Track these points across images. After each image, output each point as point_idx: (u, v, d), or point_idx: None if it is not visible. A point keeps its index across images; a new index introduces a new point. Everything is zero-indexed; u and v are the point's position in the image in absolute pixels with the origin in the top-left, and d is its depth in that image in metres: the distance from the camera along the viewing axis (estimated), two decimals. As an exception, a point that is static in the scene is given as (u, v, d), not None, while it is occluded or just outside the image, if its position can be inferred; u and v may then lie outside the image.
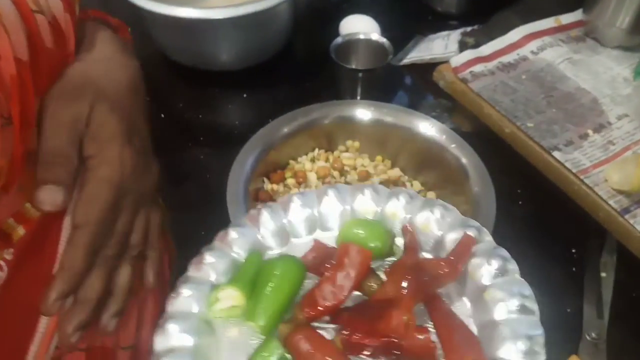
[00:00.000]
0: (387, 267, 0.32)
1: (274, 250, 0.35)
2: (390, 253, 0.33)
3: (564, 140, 0.62)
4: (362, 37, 0.77)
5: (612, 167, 0.59)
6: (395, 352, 0.27)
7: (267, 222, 0.34)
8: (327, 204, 0.34)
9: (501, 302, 0.27)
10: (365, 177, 0.60)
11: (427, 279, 0.29)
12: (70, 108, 0.32)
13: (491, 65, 0.72)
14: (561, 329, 0.56)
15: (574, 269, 0.60)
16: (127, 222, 0.33)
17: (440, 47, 0.81)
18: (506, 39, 0.75)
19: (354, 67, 0.76)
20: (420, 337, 0.27)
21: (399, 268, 0.30)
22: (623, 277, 0.59)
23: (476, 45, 0.75)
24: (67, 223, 0.36)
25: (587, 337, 0.55)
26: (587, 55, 0.74)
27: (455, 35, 0.81)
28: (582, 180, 0.58)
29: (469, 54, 0.72)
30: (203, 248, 0.34)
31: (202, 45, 0.76)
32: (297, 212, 0.35)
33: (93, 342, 0.38)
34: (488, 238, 0.31)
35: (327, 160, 0.61)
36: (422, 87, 0.83)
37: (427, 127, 0.57)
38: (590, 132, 0.64)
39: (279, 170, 0.59)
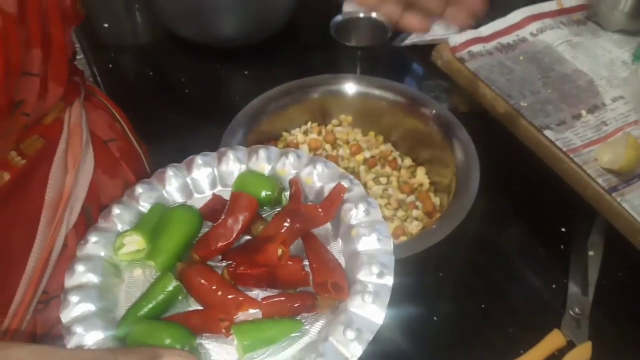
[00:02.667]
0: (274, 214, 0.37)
1: (178, 203, 0.39)
2: (279, 202, 0.37)
3: (557, 120, 0.63)
4: (362, 15, 0.78)
5: (604, 147, 0.59)
6: (274, 280, 0.32)
7: (171, 179, 0.38)
8: (225, 163, 0.38)
9: (364, 237, 0.32)
10: (356, 151, 0.61)
11: (305, 219, 0.33)
12: None
13: (490, 45, 0.72)
14: (545, 303, 0.57)
15: (562, 246, 0.61)
16: None
17: (441, 28, 0.81)
18: (507, 20, 0.75)
19: (353, 44, 0.77)
20: (293, 265, 0.32)
21: (282, 212, 0.35)
22: (611, 257, 0.59)
23: (476, 27, 0.75)
24: (55, 169, 0.38)
25: (571, 313, 0.55)
26: (587, 39, 0.74)
27: (456, 17, 0.81)
28: (571, 159, 0.59)
29: (468, 34, 0.72)
30: (112, 202, 0.38)
31: (206, 19, 0.77)
32: (199, 170, 0.39)
33: None
34: (358, 187, 0.36)
35: (319, 133, 0.62)
36: (421, 68, 0.83)
37: (417, 100, 0.58)
38: (583, 112, 0.64)
39: (273, 140, 0.61)
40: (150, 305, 0.33)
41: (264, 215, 0.37)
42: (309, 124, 0.62)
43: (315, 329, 0.31)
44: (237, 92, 0.81)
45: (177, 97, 0.78)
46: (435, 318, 0.56)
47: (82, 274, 0.33)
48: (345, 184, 0.35)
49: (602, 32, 0.75)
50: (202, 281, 0.33)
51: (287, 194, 0.38)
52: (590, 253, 0.60)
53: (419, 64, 0.84)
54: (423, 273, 0.58)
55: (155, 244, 0.35)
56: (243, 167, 0.39)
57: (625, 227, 0.55)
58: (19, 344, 0.27)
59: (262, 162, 0.38)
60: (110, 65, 0.81)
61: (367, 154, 0.61)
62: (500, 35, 0.74)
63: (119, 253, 0.35)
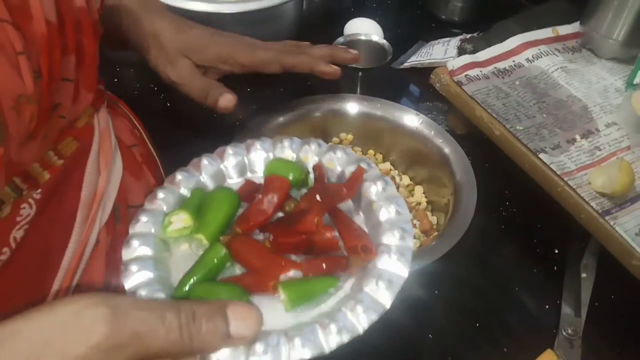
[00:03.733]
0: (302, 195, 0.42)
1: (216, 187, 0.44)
2: (305, 184, 0.42)
3: (552, 144, 0.64)
4: (363, 37, 0.80)
5: (597, 171, 0.61)
6: (310, 246, 0.37)
7: (206, 167, 0.43)
8: (254, 152, 0.43)
9: (383, 209, 0.37)
10: (356, 169, 0.62)
11: (331, 196, 0.38)
12: None
13: (486, 70, 0.74)
14: (539, 323, 0.58)
15: (555, 267, 0.62)
16: None
17: (439, 52, 0.83)
18: (503, 46, 0.77)
19: (354, 65, 0.79)
20: (327, 233, 0.36)
21: (311, 191, 0.40)
22: (603, 279, 0.60)
23: (474, 51, 0.77)
24: (89, 169, 0.41)
25: (564, 333, 0.56)
26: (582, 65, 0.76)
27: (455, 42, 0.83)
28: (565, 182, 0.60)
29: (466, 59, 0.74)
30: (155, 188, 0.42)
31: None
32: (230, 159, 0.44)
33: None
34: (375, 169, 0.40)
35: (320, 151, 0.63)
36: (420, 90, 0.85)
37: (415, 121, 0.60)
38: (578, 137, 0.65)
39: (273, 158, 0.62)
40: (204, 271, 0.37)
41: (293, 196, 0.42)
42: (310, 142, 0.64)
43: (348, 285, 0.35)
44: (240, 108, 0.82)
45: (181, 112, 0.79)
46: (430, 335, 0.56)
47: (137, 248, 0.37)
48: (363, 166, 0.40)
49: (596, 60, 0.77)
50: (248, 249, 0.37)
51: (312, 177, 0.42)
52: (583, 275, 0.61)
53: (417, 86, 0.86)
54: (419, 290, 0.59)
55: (200, 221, 0.39)
56: (270, 155, 0.43)
57: (618, 250, 0.56)
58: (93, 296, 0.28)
59: (287, 150, 0.43)
60: (116, 80, 0.82)
61: (366, 173, 0.62)
62: (496, 61, 0.76)
63: (168, 230, 0.39)
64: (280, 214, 0.40)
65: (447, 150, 0.57)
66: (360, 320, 0.32)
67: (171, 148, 0.68)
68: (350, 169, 0.40)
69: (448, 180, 0.55)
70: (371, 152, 0.64)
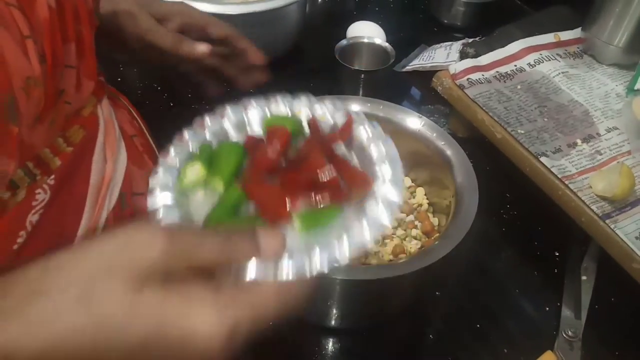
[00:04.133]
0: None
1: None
2: (302, 134, 0.45)
3: (553, 148, 0.65)
4: (366, 40, 0.80)
5: (598, 175, 0.61)
6: (315, 184, 0.40)
7: (209, 126, 0.46)
8: (251, 110, 0.47)
9: (372, 144, 0.41)
10: (358, 170, 0.62)
11: (327, 140, 0.43)
12: None
13: (488, 74, 0.75)
14: (539, 325, 0.58)
15: (555, 270, 0.62)
16: None
17: (442, 56, 0.84)
18: (505, 50, 0.78)
19: (357, 68, 0.79)
20: (330, 170, 0.40)
21: (309, 138, 0.44)
22: (603, 282, 0.61)
23: (476, 56, 0.78)
24: (96, 157, 0.43)
25: (564, 335, 0.56)
26: (583, 71, 0.77)
27: (457, 46, 0.84)
28: (566, 186, 0.61)
29: (468, 62, 0.75)
30: (171, 145, 0.45)
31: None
32: (230, 117, 0.47)
33: None
34: (362, 115, 0.44)
35: (323, 152, 0.64)
36: (422, 93, 0.85)
37: (417, 123, 0.60)
38: (579, 141, 0.66)
39: (277, 158, 0.62)
40: (224, 210, 0.40)
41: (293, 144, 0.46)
42: (313, 142, 0.64)
43: (351, 211, 0.39)
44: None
45: (184, 112, 0.79)
46: (431, 336, 0.57)
47: (159, 194, 0.40)
48: (352, 114, 0.45)
49: (597, 65, 0.78)
50: (261, 189, 0.41)
51: (307, 130, 0.46)
52: (584, 278, 0.62)
53: (419, 89, 0.86)
54: (420, 291, 0.59)
55: (213, 170, 0.43)
56: (266, 112, 0.46)
57: (618, 253, 0.57)
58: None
59: (281, 106, 0.46)
60: (119, 79, 0.83)
61: (369, 174, 0.62)
62: (499, 65, 0.76)
63: (185, 182, 0.43)
64: (284, 163, 0.45)
65: (449, 152, 0.57)
66: (366, 235, 0.36)
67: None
68: (340, 119, 0.45)
69: (450, 182, 0.56)
70: (373, 153, 0.65)
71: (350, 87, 0.80)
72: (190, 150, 0.45)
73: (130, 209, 0.46)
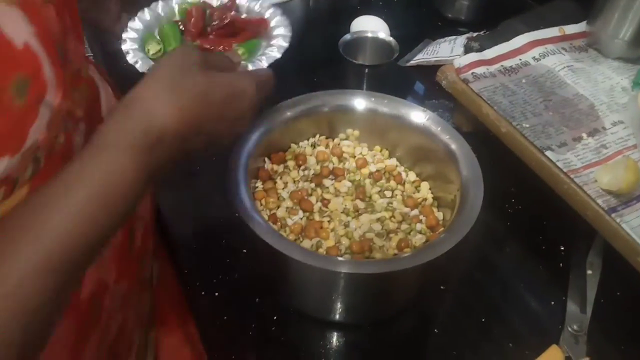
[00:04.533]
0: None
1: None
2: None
3: (558, 142, 0.64)
4: (369, 35, 0.80)
5: (603, 169, 0.61)
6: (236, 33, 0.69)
7: (151, 12, 0.69)
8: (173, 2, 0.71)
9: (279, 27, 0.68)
10: (362, 164, 0.62)
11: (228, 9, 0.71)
12: None
13: (493, 68, 0.74)
14: (544, 319, 0.58)
15: (560, 264, 0.62)
16: None
17: (446, 50, 0.84)
18: (510, 44, 0.78)
19: (360, 62, 0.79)
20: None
21: (219, 11, 0.70)
22: (609, 276, 0.61)
23: (481, 50, 0.77)
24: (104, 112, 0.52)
25: (569, 329, 0.56)
26: (588, 65, 0.76)
27: (461, 40, 0.83)
28: (572, 180, 0.60)
29: (473, 56, 0.74)
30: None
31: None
32: (160, 7, 0.70)
33: None
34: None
35: (327, 146, 0.64)
36: (426, 88, 0.85)
37: (422, 117, 0.60)
38: (584, 135, 0.66)
39: (281, 152, 0.62)
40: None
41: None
42: (317, 137, 0.64)
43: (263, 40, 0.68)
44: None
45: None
46: (435, 330, 0.57)
47: (131, 53, 0.64)
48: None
49: (602, 59, 0.78)
50: (206, 41, 0.68)
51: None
52: (589, 272, 0.61)
53: (423, 83, 0.86)
54: (425, 285, 0.59)
55: (165, 43, 0.67)
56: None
57: (624, 247, 0.56)
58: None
59: None
60: (124, 76, 0.82)
61: (373, 168, 0.62)
62: (503, 59, 0.76)
63: (150, 54, 0.65)
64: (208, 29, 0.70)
65: (454, 146, 0.57)
66: (275, 51, 0.65)
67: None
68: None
69: (455, 176, 0.55)
70: (377, 148, 0.64)
71: (354, 81, 0.80)
72: (142, 28, 0.67)
73: None
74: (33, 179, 0.38)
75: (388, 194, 0.60)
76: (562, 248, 0.64)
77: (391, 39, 0.79)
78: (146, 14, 0.68)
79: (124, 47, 0.63)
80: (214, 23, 0.68)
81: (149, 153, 0.37)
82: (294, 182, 0.60)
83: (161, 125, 0.38)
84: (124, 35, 0.64)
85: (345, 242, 0.55)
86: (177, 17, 0.70)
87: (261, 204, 0.58)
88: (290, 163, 0.61)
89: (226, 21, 0.68)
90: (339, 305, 0.55)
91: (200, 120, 0.41)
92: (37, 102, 0.36)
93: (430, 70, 0.79)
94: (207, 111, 0.41)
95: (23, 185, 0.37)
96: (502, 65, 0.75)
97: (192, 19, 0.67)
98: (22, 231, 0.32)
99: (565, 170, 0.61)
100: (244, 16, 0.71)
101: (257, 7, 0.71)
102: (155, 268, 0.66)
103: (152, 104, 0.39)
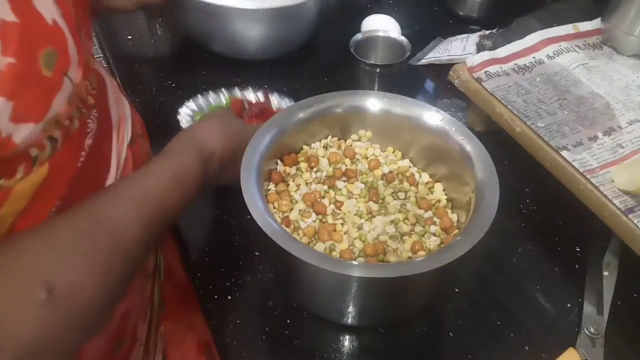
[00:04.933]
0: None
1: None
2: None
3: (573, 141, 0.63)
4: (381, 34, 0.79)
5: (620, 168, 0.60)
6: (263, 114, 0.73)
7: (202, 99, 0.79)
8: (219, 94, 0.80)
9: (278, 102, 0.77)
10: (375, 166, 0.62)
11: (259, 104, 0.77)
12: None
13: (506, 66, 0.73)
14: (560, 322, 0.57)
15: (576, 266, 0.62)
16: None
17: (458, 48, 0.83)
18: (523, 42, 0.77)
19: (372, 62, 0.79)
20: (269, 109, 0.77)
21: (253, 105, 0.78)
22: (625, 278, 0.60)
23: (493, 48, 0.76)
24: (111, 101, 0.54)
25: (586, 332, 0.55)
26: (603, 62, 0.75)
27: (473, 38, 0.83)
28: (588, 180, 0.59)
29: (485, 55, 0.74)
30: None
31: (232, 33, 0.80)
32: (210, 98, 0.79)
33: None
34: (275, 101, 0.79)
35: (339, 147, 0.63)
36: (438, 87, 0.84)
37: (436, 118, 0.59)
38: (600, 134, 0.65)
39: (293, 153, 0.62)
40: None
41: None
42: (329, 138, 0.63)
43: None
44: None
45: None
46: (450, 334, 0.56)
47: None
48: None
49: (617, 57, 0.77)
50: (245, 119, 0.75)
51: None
52: (605, 273, 0.61)
53: (435, 82, 0.85)
54: (439, 288, 0.58)
55: None
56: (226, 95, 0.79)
57: (641, 247, 0.56)
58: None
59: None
60: (133, 76, 0.83)
61: (386, 169, 0.62)
62: (517, 57, 0.75)
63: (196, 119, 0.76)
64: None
65: (468, 147, 0.56)
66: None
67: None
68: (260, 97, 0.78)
69: (470, 177, 0.55)
70: (390, 149, 0.64)
71: (365, 81, 0.79)
72: (196, 109, 0.76)
73: (137, 146, 0.58)
74: (51, 159, 0.41)
75: (401, 195, 0.60)
76: (578, 249, 0.63)
77: (403, 38, 0.79)
78: (200, 100, 0.78)
79: (180, 117, 0.75)
80: (251, 110, 0.80)
81: (203, 164, 0.51)
82: (307, 184, 0.60)
83: (212, 146, 0.52)
84: (180, 110, 0.76)
85: (358, 244, 0.54)
86: (223, 104, 0.80)
87: (274, 207, 0.57)
88: (303, 165, 0.61)
89: (258, 109, 0.78)
90: (352, 308, 0.54)
91: (236, 150, 0.54)
92: (62, 74, 0.40)
93: (442, 69, 0.79)
94: (242, 144, 0.54)
95: (42, 163, 0.41)
96: (515, 64, 0.74)
97: (234, 107, 0.77)
98: (125, 188, 0.44)
99: (581, 170, 0.60)
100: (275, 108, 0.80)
101: (283, 105, 0.78)
102: (161, 262, 0.66)
103: (207, 132, 0.54)
